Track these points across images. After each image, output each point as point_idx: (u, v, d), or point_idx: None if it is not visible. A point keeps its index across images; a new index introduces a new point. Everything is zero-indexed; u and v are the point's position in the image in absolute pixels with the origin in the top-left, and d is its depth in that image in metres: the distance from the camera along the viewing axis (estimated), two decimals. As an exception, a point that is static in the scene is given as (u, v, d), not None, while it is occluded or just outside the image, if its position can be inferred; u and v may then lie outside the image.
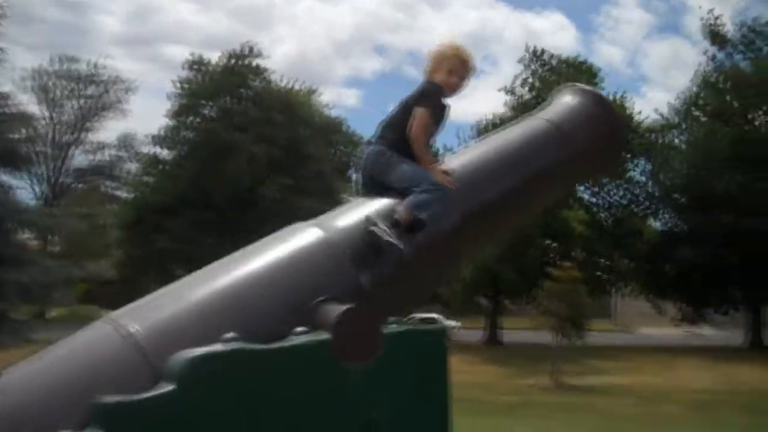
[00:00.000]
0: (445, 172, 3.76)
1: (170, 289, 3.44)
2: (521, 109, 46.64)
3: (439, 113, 3.87)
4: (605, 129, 4.54)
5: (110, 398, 2.64)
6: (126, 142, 61.59)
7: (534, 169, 4.19)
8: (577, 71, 49.12)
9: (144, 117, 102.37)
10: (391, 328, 3.18)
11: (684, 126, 45.40)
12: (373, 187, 3.76)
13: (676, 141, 45.79)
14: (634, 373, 29.84)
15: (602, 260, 41.88)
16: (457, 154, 4.31)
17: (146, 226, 42.86)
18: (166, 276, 46.53)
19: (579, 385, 25.73)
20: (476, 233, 4.00)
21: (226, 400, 2.75)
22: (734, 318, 44.88)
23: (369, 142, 3.93)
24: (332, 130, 50.13)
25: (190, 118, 46.19)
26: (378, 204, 3.67)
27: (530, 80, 50.03)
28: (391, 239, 3.41)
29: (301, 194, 44.54)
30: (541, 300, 26.52)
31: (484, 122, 46.93)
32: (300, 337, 2.97)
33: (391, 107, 3.84)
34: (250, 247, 3.68)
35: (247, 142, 42.44)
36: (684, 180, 42.09)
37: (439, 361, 3.26)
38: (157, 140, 46.37)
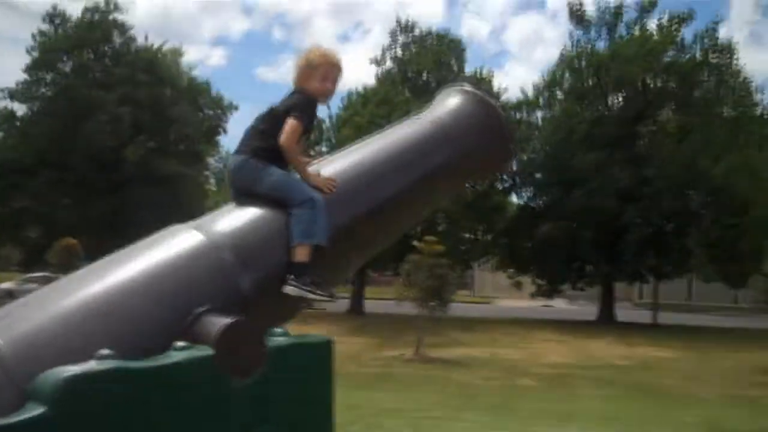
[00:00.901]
0: (320, 175, 3.68)
1: (36, 297, 3.10)
2: (390, 80, 47.17)
3: (310, 123, 3.74)
4: (491, 131, 4.44)
5: None
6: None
7: (421, 171, 4.08)
8: (443, 45, 49.93)
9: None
10: (276, 341, 3.09)
11: (545, 105, 46.80)
12: (244, 197, 3.58)
13: (538, 119, 47.16)
14: (492, 345, 30.75)
15: (466, 234, 42.81)
16: (340, 156, 4.06)
17: (1, 184, 40.89)
18: (21, 238, 44.95)
19: (440, 357, 26.32)
20: (363, 238, 3.87)
21: (101, 423, 2.53)
22: (587, 293, 46.89)
23: (236, 152, 3.69)
24: (199, 92, 48.99)
25: (49, 74, 44.20)
26: (253, 211, 3.48)
27: (399, 53, 50.49)
28: (316, 296, 3.33)
29: (166, 157, 43.56)
30: (406, 272, 26.89)
31: (354, 94, 46.96)
32: (181, 352, 2.76)
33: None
34: (124, 251, 3.37)
35: (110, 102, 40.99)
36: (543, 158, 43.45)
37: (325, 372, 3.19)
38: (12, 94, 44.18)
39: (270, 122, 3.66)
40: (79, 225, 40.10)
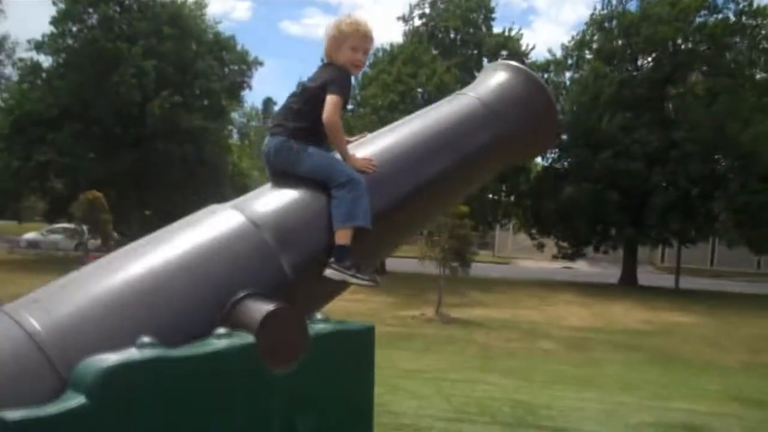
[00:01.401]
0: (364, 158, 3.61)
1: (75, 278, 3.03)
2: (417, 38, 46.81)
3: (347, 97, 3.68)
4: (538, 109, 4.33)
5: (12, 414, 2.29)
6: (2, 45, 58.70)
7: (465, 150, 3.98)
8: (471, 2, 49.48)
9: (23, 18, 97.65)
10: (318, 327, 3.03)
11: (573, 66, 46.29)
12: (282, 178, 3.53)
13: (565, 80, 46.68)
14: (512, 306, 30.74)
15: (489, 195, 42.62)
16: (381, 134, 4.00)
17: (26, 137, 41.07)
18: (45, 189, 45.27)
19: (460, 317, 26.33)
20: (406, 219, 3.81)
21: (142, 412, 2.50)
22: (609, 255, 46.71)
23: (271, 133, 3.62)
24: (224, 47, 48.76)
25: (75, 25, 44.10)
26: (293, 192, 3.43)
27: (426, 11, 50.11)
28: (359, 280, 3.29)
29: (190, 112, 43.54)
30: (429, 232, 26.83)
31: (381, 51, 46.61)
32: (222, 340, 2.73)
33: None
34: (163, 232, 3.33)
35: (135, 55, 40.91)
36: (569, 119, 43.03)
37: (366, 360, 3.15)
38: (38, 46, 44.16)
39: (304, 100, 3.61)
40: (103, 178, 40.27)
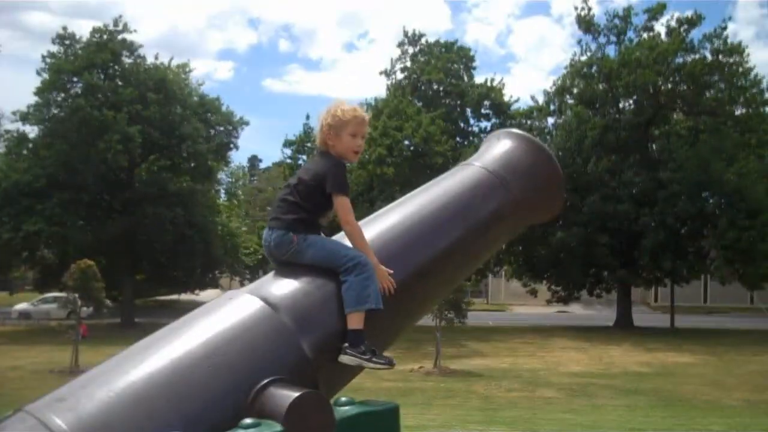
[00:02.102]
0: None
1: (97, 374, 2.98)
2: (400, 91, 47.25)
3: (348, 186, 3.61)
4: (545, 177, 4.33)
5: None
6: (-13, 117, 58.91)
7: (476, 220, 3.94)
8: (452, 53, 50.07)
9: (6, 89, 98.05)
10: (343, 410, 3.01)
11: (555, 111, 46.75)
12: (289, 265, 3.49)
13: (549, 126, 47.09)
14: (510, 355, 30.63)
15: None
16: (392, 209, 3.94)
17: (14, 208, 40.97)
18: (35, 259, 45.06)
19: (460, 369, 26.21)
20: (423, 291, 3.73)
21: None
22: (603, 297, 46.67)
23: (269, 226, 3.58)
24: (209, 110, 49.04)
25: (60, 95, 44.30)
26: (303, 277, 3.38)
27: (408, 64, 50.71)
28: (374, 365, 3.25)
29: (178, 175, 43.64)
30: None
31: (365, 106, 46.91)
32: (249, 430, 2.69)
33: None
34: (182, 322, 3.25)
35: (121, 121, 41.08)
36: (556, 164, 43.09)
37: None
38: (23, 117, 44.28)
39: (300, 192, 3.54)
40: (92, 245, 40.20)
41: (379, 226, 3.73)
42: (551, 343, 34.43)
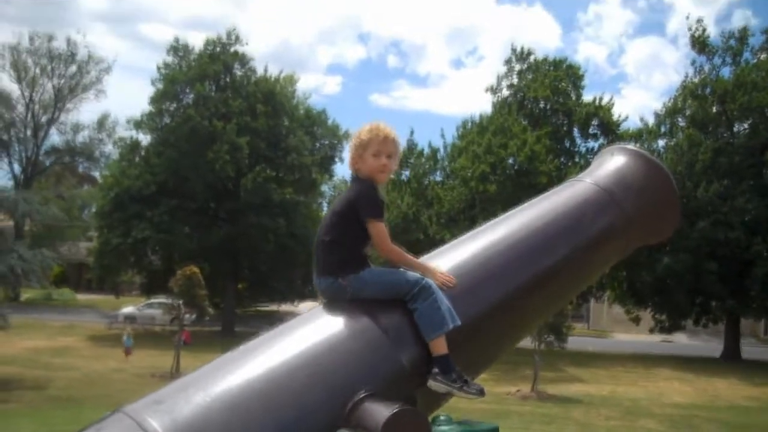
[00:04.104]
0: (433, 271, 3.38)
1: (195, 378, 2.97)
2: (506, 108, 46.86)
3: (383, 208, 3.42)
4: (659, 195, 4.17)
5: None
6: (104, 124, 61.24)
7: (586, 238, 3.80)
8: (560, 71, 49.41)
9: (122, 97, 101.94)
10: (442, 430, 2.91)
11: (666, 133, 45.56)
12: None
13: (659, 148, 45.86)
14: (611, 382, 29.89)
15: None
16: (498, 222, 3.83)
17: (125, 213, 42.38)
18: (143, 264, 46.45)
19: (558, 394, 25.69)
20: (528, 306, 3.61)
21: None
22: (710, 327, 45.13)
23: (317, 273, 3.41)
24: (315, 122, 49.74)
25: (172, 104, 45.66)
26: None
27: (515, 81, 50.25)
28: (465, 394, 3.13)
29: (282, 186, 44.35)
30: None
31: (470, 122, 46.93)
32: None
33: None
34: (279, 330, 3.22)
35: (230, 132, 42.03)
36: (666, 187, 41.96)
37: None
38: (137, 125, 45.84)
39: (335, 228, 3.38)
40: (197, 251, 41.14)
41: (483, 240, 3.62)
42: (654, 373, 33.45)
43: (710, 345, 45.18)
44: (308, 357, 2.94)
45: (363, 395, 2.82)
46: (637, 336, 51.45)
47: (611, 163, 4.26)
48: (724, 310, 40.71)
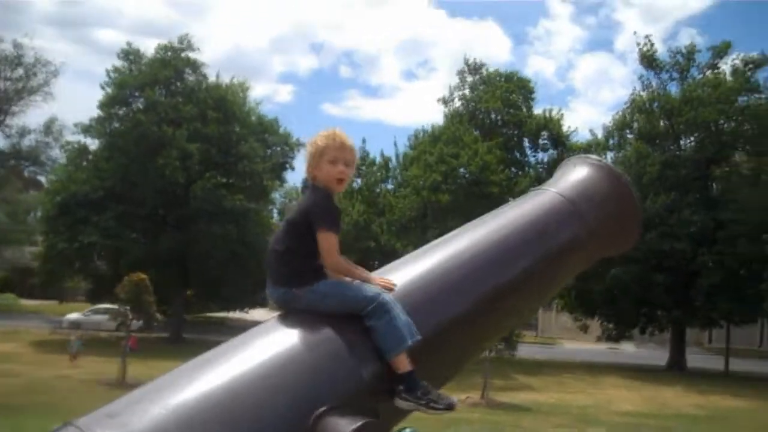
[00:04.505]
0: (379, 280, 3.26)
1: (149, 390, 2.81)
2: (458, 119, 47.20)
3: (338, 222, 3.30)
4: (622, 206, 4.11)
5: None
6: (51, 128, 60.16)
7: (550, 248, 3.73)
8: (511, 84, 49.96)
9: (71, 101, 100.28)
10: None
11: (615, 146, 46.33)
12: None
13: (608, 161, 46.46)
14: (560, 390, 30.14)
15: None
16: (459, 234, 3.72)
17: (71, 218, 41.68)
18: (89, 270, 45.71)
19: (508, 402, 25.80)
20: (490, 319, 3.50)
21: None
22: (656, 336, 45.85)
23: (271, 283, 3.28)
24: (267, 129, 49.51)
25: (122, 109, 45.11)
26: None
27: (467, 93, 50.69)
28: (434, 411, 2.99)
29: (233, 193, 44.04)
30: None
31: (422, 132, 47.16)
32: None
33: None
34: (239, 340, 3.08)
35: (180, 138, 41.62)
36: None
37: None
38: (85, 129, 45.11)
39: (290, 237, 3.25)
40: (145, 258, 40.60)
41: (445, 251, 3.51)
42: (602, 381, 33.82)
43: (656, 354, 45.87)
44: (269, 369, 2.82)
45: (326, 408, 2.69)
46: (585, 344, 52.05)
47: (574, 173, 4.22)
48: (670, 320, 41.42)
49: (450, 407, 3.03)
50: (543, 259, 3.70)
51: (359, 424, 2.58)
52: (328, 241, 3.17)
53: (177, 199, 43.72)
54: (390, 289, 3.16)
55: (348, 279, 3.21)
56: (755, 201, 37.67)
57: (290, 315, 3.12)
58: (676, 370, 40.23)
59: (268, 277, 3.29)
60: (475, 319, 3.36)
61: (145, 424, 2.52)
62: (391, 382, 2.96)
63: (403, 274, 3.34)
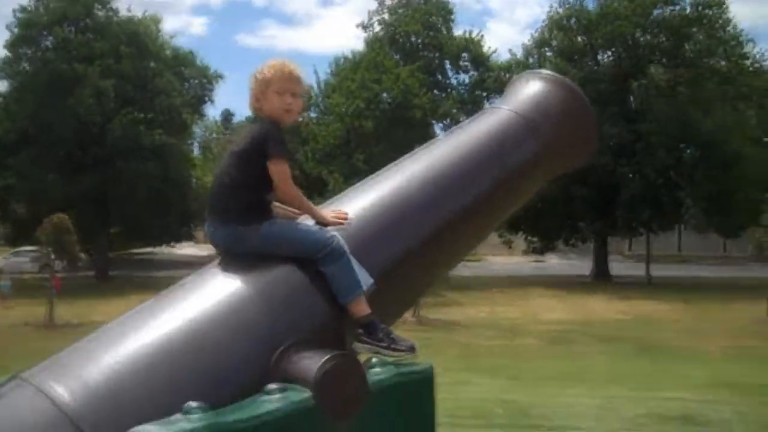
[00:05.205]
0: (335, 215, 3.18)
1: (101, 338, 2.64)
2: (378, 44, 46.87)
3: (288, 150, 3.16)
4: (577, 117, 4.01)
5: None
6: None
7: (510, 166, 3.63)
8: (430, 5, 49.74)
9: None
10: (376, 373, 2.75)
11: (535, 65, 46.58)
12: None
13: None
14: (489, 304, 30.82)
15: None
16: (416, 156, 3.60)
17: (-15, 163, 40.56)
18: (7, 213, 44.62)
19: (439, 318, 26.22)
20: (450, 244, 3.43)
21: None
22: (579, 248, 47.04)
23: (213, 218, 3.09)
24: (183, 63, 48.48)
25: (31, 49, 43.63)
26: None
27: (386, 17, 50.31)
28: (394, 352, 2.92)
29: (152, 129, 43.21)
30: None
31: (342, 59, 46.76)
32: (274, 397, 2.38)
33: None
34: (191, 280, 2.94)
35: (93, 75, 40.49)
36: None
37: (428, 402, 2.87)
38: (-6, 71, 43.64)
39: (239, 168, 3.08)
40: (65, 199, 39.74)
41: (398, 178, 3.40)
42: (529, 293, 34.63)
43: (580, 264, 47.04)
44: (226, 309, 2.69)
45: (289, 344, 2.60)
46: (511, 258, 53.11)
47: (527, 89, 4.10)
48: (593, 231, 42.48)
49: (411, 349, 3.01)
50: (502, 180, 3.64)
51: (328, 356, 2.51)
52: (281, 170, 3.05)
53: (94, 138, 42.61)
54: (343, 221, 3.11)
55: (297, 221, 3.13)
56: (671, 112, 38.51)
57: (235, 255, 2.98)
58: (599, 279, 41.56)
59: (210, 213, 3.11)
60: (432, 249, 3.30)
61: (99, 374, 2.40)
62: (350, 323, 2.89)
63: (355, 206, 3.25)
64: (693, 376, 15.69)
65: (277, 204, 3.16)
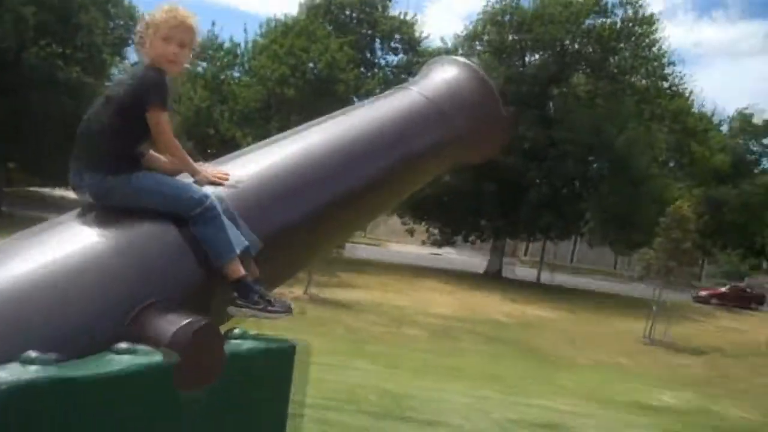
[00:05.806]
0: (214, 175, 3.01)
1: None
2: (313, 12, 46.45)
3: (168, 102, 2.92)
4: (487, 110, 3.95)
5: None
6: None
7: (411, 150, 3.57)
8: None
9: None
10: (235, 345, 2.70)
11: (463, 56, 46.86)
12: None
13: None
14: (381, 289, 31.05)
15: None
16: (318, 124, 3.51)
17: None
18: None
19: (330, 298, 26.37)
20: (341, 218, 3.39)
21: None
22: (476, 244, 47.69)
23: (80, 166, 2.90)
24: (110, 1, 47.14)
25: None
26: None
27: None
28: (270, 314, 2.75)
29: (69, 64, 41.91)
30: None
31: (274, 21, 46.18)
32: (124, 357, 2.24)
33: None
34: (50, 225, 2.73)
35: (14, 0, 39.03)
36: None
37: (284, 380, 2.77)
38: None
39: (114, 114, 2.87)
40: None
41: (293, 146, 3.31)
42: (422, 283, 35.01)
43: (474, 260, 47.63)
44: (81, 260, 2.50)
45: (150, 302, 2.43)
46: (410, 247, 53.52)
47: (441, 74, 4.00)
48: (495, 229, 43.11)
49: (288, 310, 2.85)
50: (401, 162, 3.56)
51: (186, 321, 2.35)
52: (161, 119, 2.85)
53: (7, 65, 41.13)
54: (223, 182, 2.96)
55: (171, 176, 2.94)
56: (587, 123, 39.32)
57: (104, 207, 2.78)
58: (492, 278, 42.17)
59: (76, 160, 2.91)
60: (320, 221, 3.22)
61: None
62: (222, 284, 2.73)
63: (244, 167, 3.11)
64: (563, 384, 16.27)
65: (158, 156, 3.01)
